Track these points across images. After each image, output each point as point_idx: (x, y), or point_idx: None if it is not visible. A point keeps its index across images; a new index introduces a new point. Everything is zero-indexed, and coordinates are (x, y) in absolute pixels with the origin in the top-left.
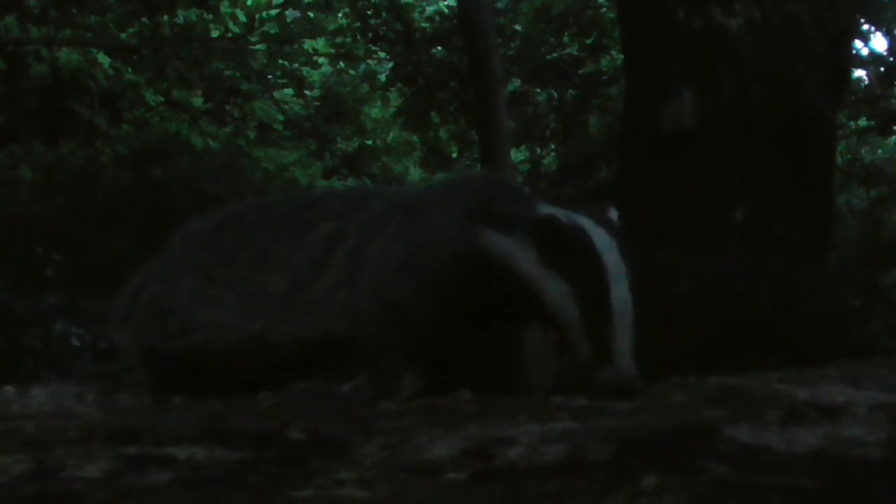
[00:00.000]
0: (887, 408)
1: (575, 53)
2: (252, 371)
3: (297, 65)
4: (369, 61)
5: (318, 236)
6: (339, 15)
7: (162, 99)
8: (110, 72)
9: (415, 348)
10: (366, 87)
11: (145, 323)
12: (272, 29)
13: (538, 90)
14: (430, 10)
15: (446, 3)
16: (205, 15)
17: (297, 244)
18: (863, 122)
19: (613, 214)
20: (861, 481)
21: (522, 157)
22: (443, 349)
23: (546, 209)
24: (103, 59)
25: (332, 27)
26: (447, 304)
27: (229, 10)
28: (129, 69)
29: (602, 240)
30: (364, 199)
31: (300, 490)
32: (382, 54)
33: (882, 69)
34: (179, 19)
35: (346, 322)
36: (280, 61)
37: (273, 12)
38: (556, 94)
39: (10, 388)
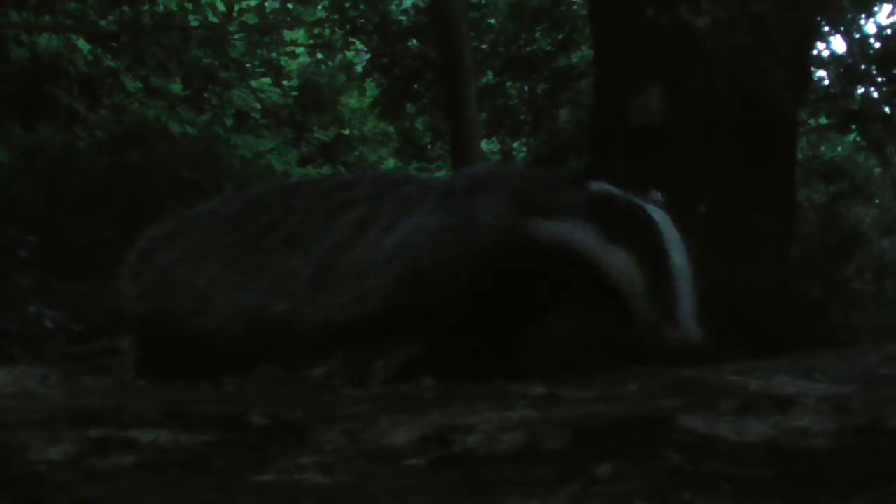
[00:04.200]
0: (835, 399)
1: (547, 48)
2: (258, 354)
3: (275, 54)
4: (347, 52)
5: (350, 218)
6: (319, 7)
7: (141, 85)
8: (90, 58)
9: (419, 317)
10: (343, 78)
11: (156, 291)
12: (251, 19)
13: (510, 83)
14: (407, 2)
15: None
16: (185, 3)
17: (329, 227)
18: (823, 121)
19: (657, 196)
20: (808, 470)
21: (494, 148)
22: (445, 330)
23: (600, 186)
24: (83, 45)
25: (311, 18)
26: (469, 284)
27: (209, 0)
28: (109, 55)
29: (656, 211)
30: (398, 182)
31: (261, 475)
32: (360, 45)
33: (841, 69)
34: (159, 7)
35: (358, 286)
36: (259, 51)
37: (253, 2)
38: (527, 88)
39: None
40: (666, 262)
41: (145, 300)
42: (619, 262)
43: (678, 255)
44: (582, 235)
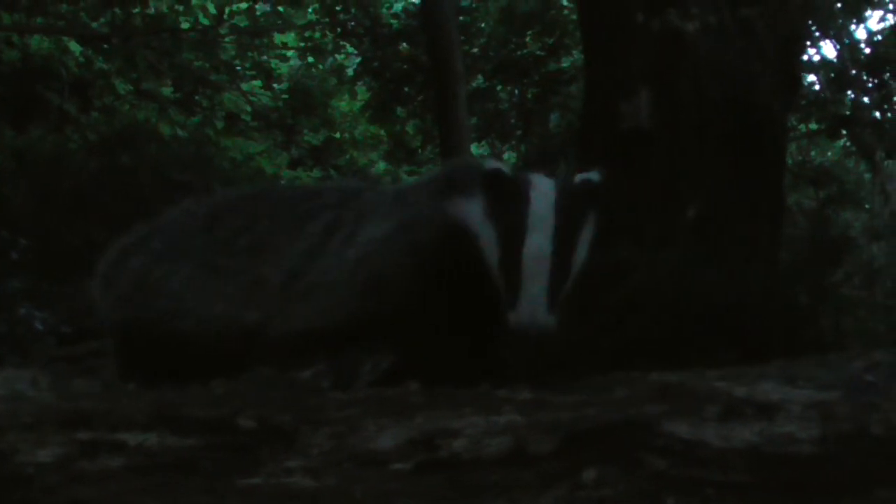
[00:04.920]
0: (820, 406)
1: (537, 52)
2: (235, 358)
3: (265, 57)
4: (337, 56)
5: (316, 227)
6: (310, 10)
7: (131, 88)
8: (81, 60)
9: (388, 321)
10: (333, 81)
11: (129, 297)
12: (242, 22)
13: (500, 87)
14: (397, 6)
15: None
16: (175, 6)
17: (297, 235)
18: (813, 126)
19: (595, 177)
20: (793, 477)
21: (485, 152)
22: (415, 326)
23: (493, 164)
24: (74, 47)
25: (301, 22)
26: (423, 281)
27: (200, 2)
28: (100, 57)
29: (540, 193)
30: (359, 189)
31: (250, 478)
32: (351, 49)
33: (832, 74)
34: (150, 10)
35: (329, 300)
36: (249, 54)
37: (243, 5)
38: (517, 92)
39: None
40: (520, 243)
41: (121, 306)
42: (486, 237)
43: (537, 237)
44: (468, 209)
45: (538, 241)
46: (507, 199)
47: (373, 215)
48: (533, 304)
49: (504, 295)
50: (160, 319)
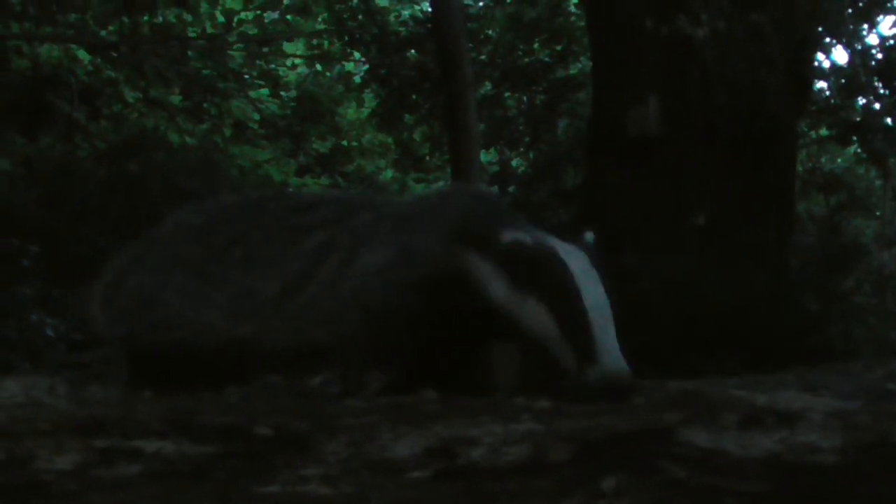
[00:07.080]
0: (842, 415)
1: (545, 59)
2: (234, 368)
3: (273, 65)
4: (345, 63)
5: (311, 244)
6: (319, 20)
7: (140, 96)
8: (90, 68)
9: (386, 351)
10: (341, 88)
11: (128, 311)
12: (250, 30)
13: (508, 94)
14: (405, 13)
15: (420, 7)
16: (184, 14)
17: (290, 250)
18: (823, 132)
19: (589, 237)
20: (814, 486)
21: (493, 159)
22: (414, 354)
23: (511, 234)
24: (83, 55)
25: (309, 30)
26: (422, 314)
27: (208, 11)
28: (109, 66)
29: (568, 252)
30: (356, 208)
31: (266, 485)
32: (358, 56)
33: (842, 81)
34: (159, 18)
35: (326, 326)
36: (257, 62)
37: (251, 14)
38: (525, 99)
39: None
40: (578, 303)
41: (122, 321)
42: (531, 312)
43: (591, 292)
44: (495, 284)
45: (595, 292)
46: (539, 268)
47: (371, 238)
48: (614, 351)
49: (572, 357)
50: (156, 331)
